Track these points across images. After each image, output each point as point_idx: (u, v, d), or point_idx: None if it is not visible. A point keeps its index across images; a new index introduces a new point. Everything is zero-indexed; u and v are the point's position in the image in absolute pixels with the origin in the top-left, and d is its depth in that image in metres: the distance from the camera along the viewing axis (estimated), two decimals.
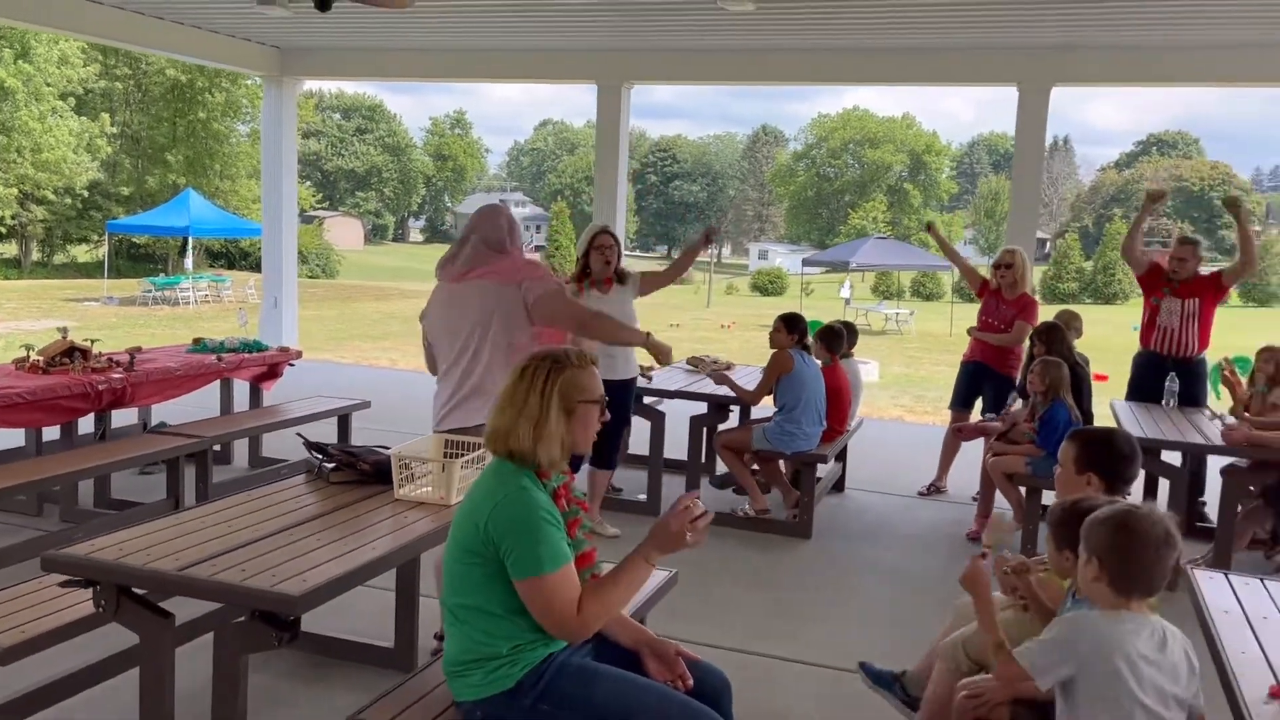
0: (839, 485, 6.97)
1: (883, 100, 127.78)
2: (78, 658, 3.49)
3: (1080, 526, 2.42)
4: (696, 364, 7.12)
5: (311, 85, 56.97)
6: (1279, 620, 2.77)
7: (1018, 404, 6.25)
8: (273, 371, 7.04)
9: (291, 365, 7.23)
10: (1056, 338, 6.03)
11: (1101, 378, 7.11)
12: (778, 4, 7.55)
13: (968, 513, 6.36)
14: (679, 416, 6.37)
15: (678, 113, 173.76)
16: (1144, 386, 6.50)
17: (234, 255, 36.45)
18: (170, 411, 7.18)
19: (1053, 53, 8.42)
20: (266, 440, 6.88)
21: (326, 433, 5.87)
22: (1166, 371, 6.31)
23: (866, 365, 16.48)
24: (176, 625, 2.88)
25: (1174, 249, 6.48)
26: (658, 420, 6.32)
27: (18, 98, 28.34)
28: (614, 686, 2.43)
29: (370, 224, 69.83)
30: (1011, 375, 6.61)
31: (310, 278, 36.71)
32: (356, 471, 3.49)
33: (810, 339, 6.12)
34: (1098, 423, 5.93)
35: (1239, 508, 5.52)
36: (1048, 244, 59.47)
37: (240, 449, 7.02)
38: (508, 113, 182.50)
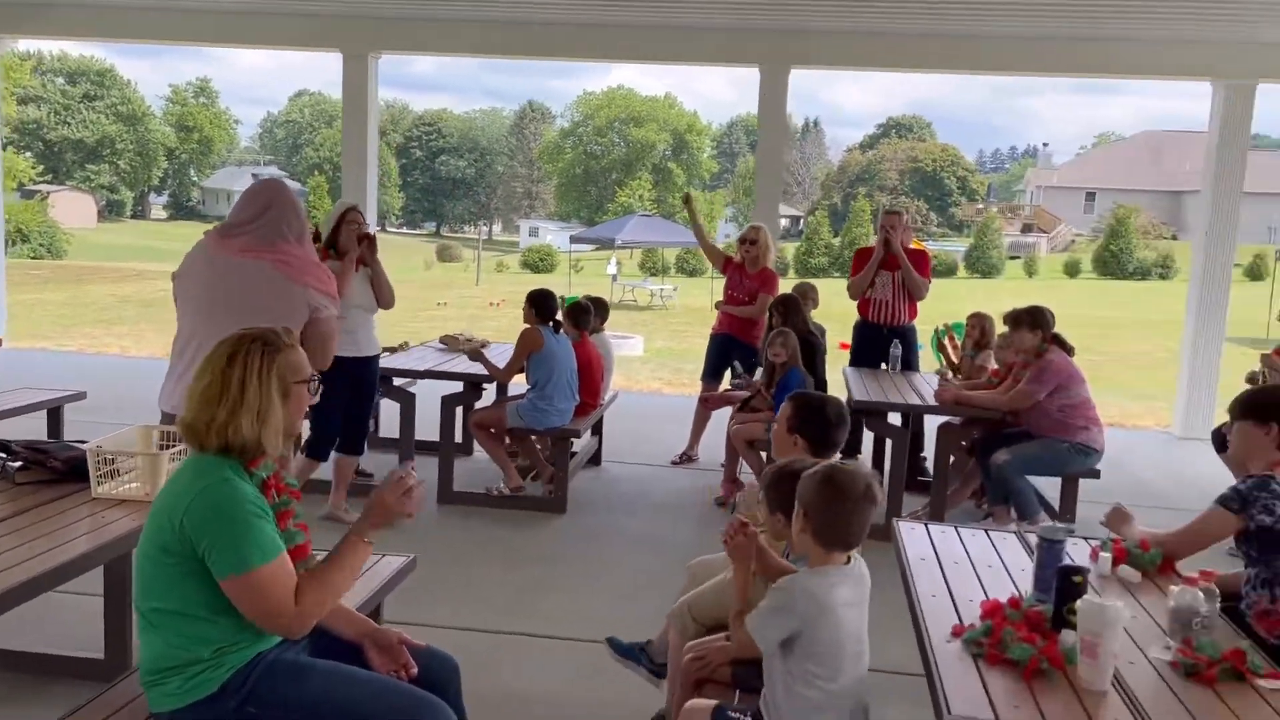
0: (595, 459, 7.05)
1: (646, 79, 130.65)
2: None
3: (789, 489, 2.54)
4: (449, 342, 6.98)
5: (27, 45, 51.47)
6: (968, 565, 3.02)
7: (758, 373, 6.54)
8: None
9: None
10: (793, 308, 6.34)
11: (846, 346, 7.56)
12: None
13: (717, 479, 6.60)
14: (431, 397, 6.23)
15: (441, 86, 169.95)
16: (863, 354, 6.98)
17: None
18: None
19: (791, 36, 8.79)
20: None
21: (35, 428, 5.33)
22: (883, 340, 6.79)
23: (631, 340, 16.84)
24: None
25: (883, 219, 6.96)
26: (408, 401, 6.16)
27: None
28: (329, 681, 2.33)
29: (104, 200, 64.00)
30: (756, 345, 6.91)
31: (33, 258, 33.28)
32: (46, 470, 3.16)
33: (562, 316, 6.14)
34: (834, 389, 6.32)
35: (951, 460, 6.04)
36: (800, 221, 62.76)
37: None
38: (258, 81, 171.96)
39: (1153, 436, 9.10)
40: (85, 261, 34.68)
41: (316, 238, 5.29)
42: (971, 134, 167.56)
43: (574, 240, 30.56)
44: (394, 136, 72.46)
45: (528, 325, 5.90)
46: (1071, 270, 40.68)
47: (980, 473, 5.86)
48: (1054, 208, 56.91)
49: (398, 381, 6.28)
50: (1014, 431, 5.61)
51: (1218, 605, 2.55)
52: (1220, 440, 5.85)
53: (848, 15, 8.26)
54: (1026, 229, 53.21)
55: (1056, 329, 5.64)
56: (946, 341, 6.99)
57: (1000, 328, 6.01)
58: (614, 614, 4.38)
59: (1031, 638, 2.36)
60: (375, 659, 2.48)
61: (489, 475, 6.31)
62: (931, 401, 5.81)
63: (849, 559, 2.45)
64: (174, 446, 3.16)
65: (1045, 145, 76.58)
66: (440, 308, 22.90)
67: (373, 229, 5.71)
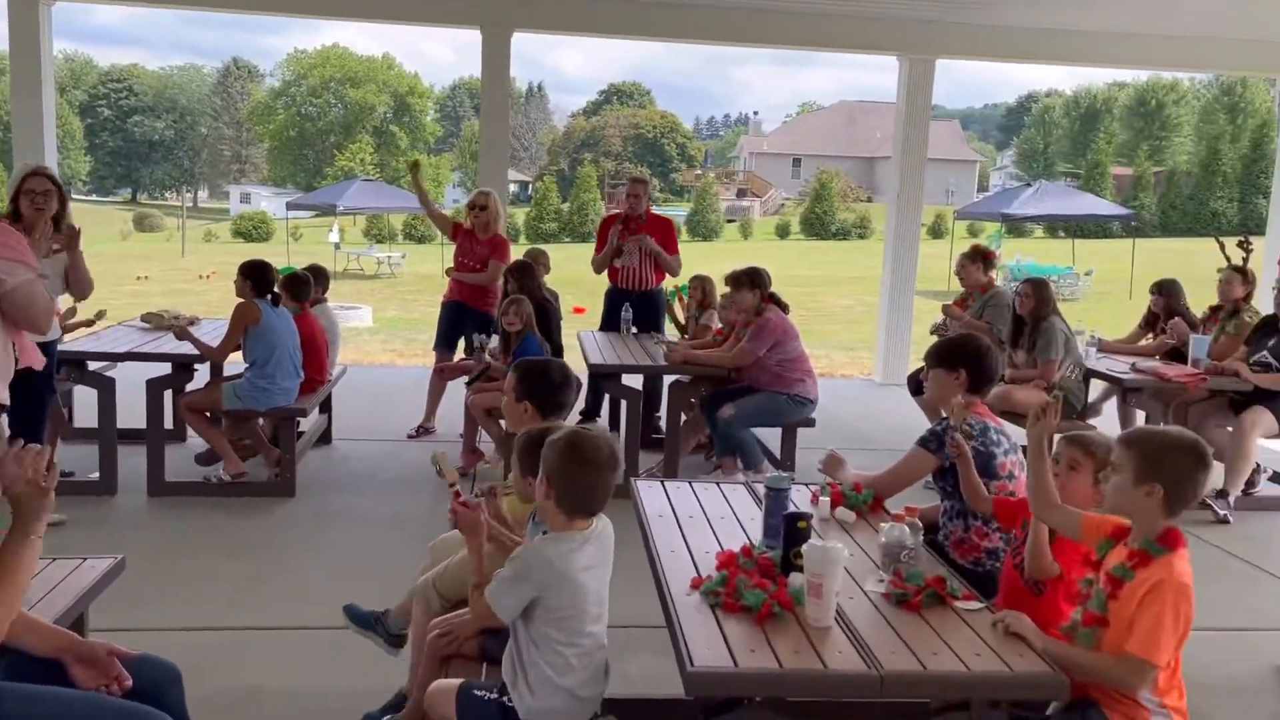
0: (326, 437, 6.74)
1: (363, 39, 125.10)
2: None
3: (539, 452, 2.52)
4: (153, 320, 6.40)
5: None
6: (702, 518, 3.14)
7: (494, 341, 6.49)
8: None
9: None
10: (528, 274, 6.32)
11: (580, 310, 7.64)
12: None
13: (456, 450, 6.49)
14: (134, 381, 5.69)
15: (130, 39, 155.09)
16: (614, 318, 7.11)
17: None
18: None
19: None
20: None
21: None
22: (630, 304, 6.95)
23: (358, 311, 16.21)
24: None
25: (628, 188, 7.10)
26: (106, 387, 5.59)
27: None
28: (25, 706, 2.07)
29: None
30: (491, 313, 6.83)
31: None
32: None
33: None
34: (569, 354, 6.38)
35: (683, 418, 6.28)
36: (529, 186, 62.83)
37: None
38: None
39: (858, 384, 9.91)
40: None
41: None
42: (689, 101, 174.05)
43: (291, 207, 28.87)
44: (76, 94, 65.35)
45: (242, 299, 5.51)
46: (782, 232, 43.40)
47: (708, 426, 6.13)
48: (765, 173, 60.43)
49: (94, 366, 5.69)
50: (737, 387, 5.90)
51: (921, 537, 2.80)
52: (915, 385, 6.46)
53: None
54: (741, 194, 56.14)
55: (772, 288, 5.98)
56: (675, 303, 7.24)
57: (721, 289, 6.29)
58: (349, 597, 4.16)
59: (763, 584, 2.49)
60: (79, 675, 2.23)
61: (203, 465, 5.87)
62: (663, 362, 6.00)
63: (591, 523, 2.47)
64: None
65: (756, 114, 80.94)
66: (141, 282, 21.03)
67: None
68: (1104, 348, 6.75)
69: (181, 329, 5.79)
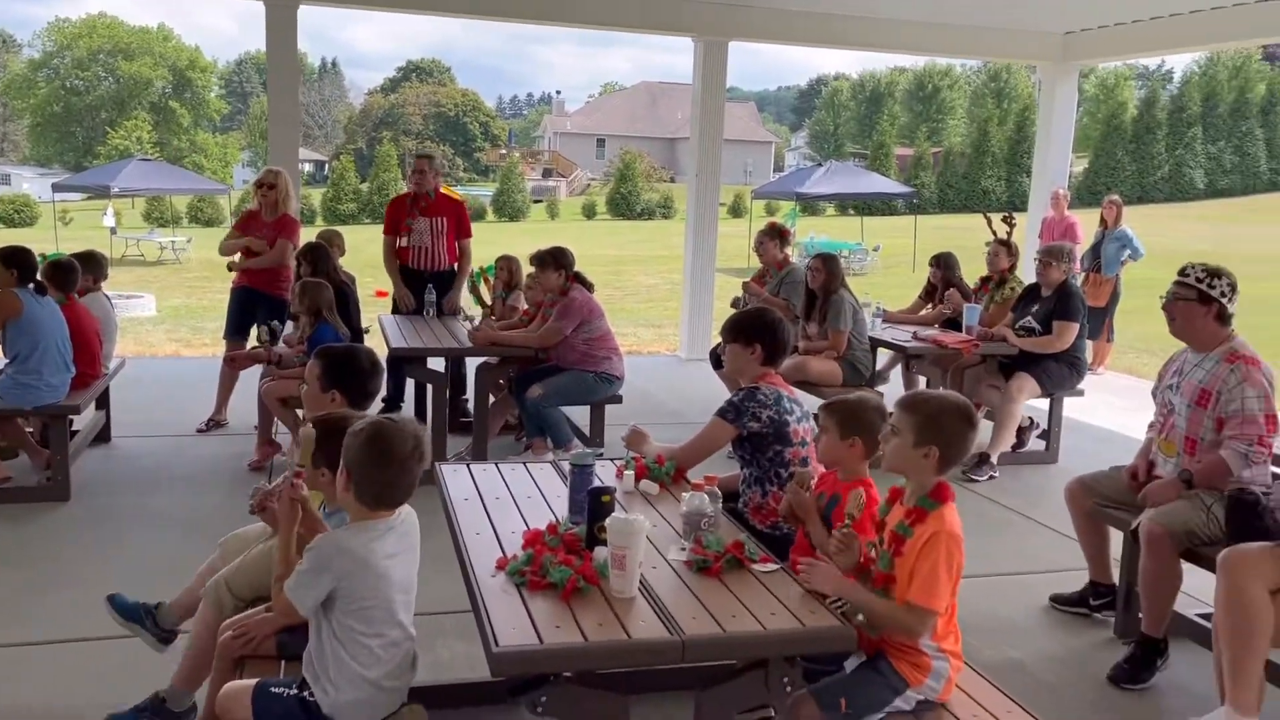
0: (104, 435, 6.27)
1: (133, 8, 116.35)
2: None
3: (339, 445, 2.43)
4: None
5: None
6: (509, 499, 3.12)
7: (289, 327, 6.21)
8: None
9: None
10: (321, 257, 6.07)
11: (383, 294, 7.39)
12: None
13: (251, 443, 6.18)
14: None
15: None
16: (413, 299, 6.90)
17: None
18: None
19: None
20: None
21: None
22: (424, 285, 6.77)
23: (140, 299, 15.16)
24: None
25: (414, 164, 6.91)
26: None
27: None
28: None
29: None
30: (284, 297, 6.52)
31: None
32: None
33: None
34: (370, 339, 6.19)
35: (491, 400, 6.22)
36: (326, 165, 60.40)
37: None
38: None
39: (664, 360, 10.11)
40: None
41: None
42: (490, 80, 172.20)
43: (58, 189, 26.58)
44: None
45: (1, 289, 5.03)
46: (589, 212, 43.61)
47: (517, 407, 6.10)
48: (569, 153, 60.53)
49: None
50: (545, 367, 5.90)
51: (720, 505, 2.89)
52: (716, 359, 6.65)
53: None
54: (547, 173, 56.05)
55: (578, 267, 6.00)
56: (481, 284, 7.13)
57: (527, 269, 6.25)
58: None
59: (569, 560, 2.50)
60: None
61: None
62: (468, 343, 5.91)
63: (395, 512, 2.40)
64: None
65: (559, 93, 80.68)
66: None
67: None
68: (888, 318, 7.16)
69: None
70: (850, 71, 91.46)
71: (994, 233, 7.22)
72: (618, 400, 6.03)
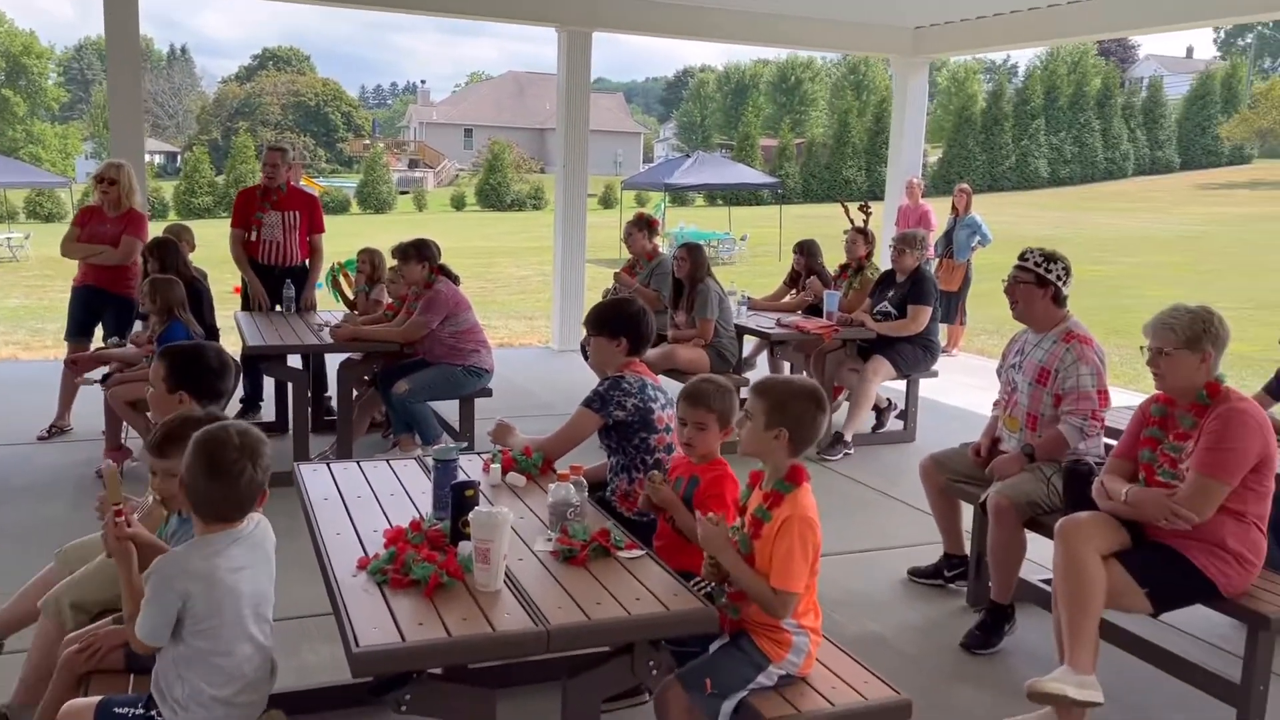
0: None
1: None
2: None
3: (180, 447, 2.33)
4: None
5: None
6: (371, 498, 3.06)
7: (138, 325, 5.93)
8: None
9: None
10: (170, 252, 5.81)
11: (238, 290, 7.12)
12: None
13: (98, 449, 5.87)
14: None
15: None
16: (268, 295, 6.67)
17: None
18: None
19: None
20: None
21: None
22: (275, 280, 6.56)
23: None
24: None
25: (266, 156, 6.68)
26: None
27: None
28: None
29: None
30: (132, 295, 6.22)
31: None
32: None
33: None
34: (225, 337, 5.95)
35: (355, 395, 6.07)
36: (178, 157, 57.71)
37: None
38: None
39: (536, 352, 10.06)
40: None
41: None
42: (351, 69, 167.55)
43: None
44: None
45: None
46: (458, 203, 42.93)
47: (383, 404, 5.98)
48: (436, 143, 59.43)
49: None
50: (411, 361, 5.79)
51: (586, 494, 2.90)
52: (586, 351, 6.66)
53: None
54: (413, 164, 54.90)
55: (445, 260, 5.91)
56: (341, 279, 6.94)
57: (390, 262, 6.12)
58: None
59: (432, 556, 2.47)
60: None
61: None
62: (329, 340, 5.75)
63: (239, 524, 2.30)
64: None
65: (424, 83, 79.16)
66: None
67: None
68: (753, 305, 7.32)
69: None
70: (716, 63, 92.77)
71: (851, 221, 7.45)
72: (488, 394, 5.97)
